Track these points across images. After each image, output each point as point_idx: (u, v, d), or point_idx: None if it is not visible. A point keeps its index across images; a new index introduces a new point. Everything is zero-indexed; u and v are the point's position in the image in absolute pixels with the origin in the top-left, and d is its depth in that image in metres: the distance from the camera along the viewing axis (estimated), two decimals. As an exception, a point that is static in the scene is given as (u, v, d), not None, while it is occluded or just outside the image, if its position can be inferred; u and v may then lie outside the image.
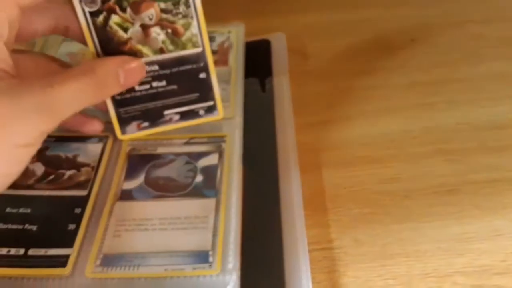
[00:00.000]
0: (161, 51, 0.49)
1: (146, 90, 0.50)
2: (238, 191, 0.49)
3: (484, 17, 0.79)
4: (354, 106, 0.65)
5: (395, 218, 0.53)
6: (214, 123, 0.53)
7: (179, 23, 0.48)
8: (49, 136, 0.41)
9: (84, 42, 0.47)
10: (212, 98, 0.52)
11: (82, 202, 0.47)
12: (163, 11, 0.47)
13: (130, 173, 0.50)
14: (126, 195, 0.49)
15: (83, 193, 0.48)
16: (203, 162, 0.51)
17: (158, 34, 0.48)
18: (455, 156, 0.59)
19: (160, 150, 0.52)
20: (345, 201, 0.55)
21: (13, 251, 0.43)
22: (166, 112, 0.51)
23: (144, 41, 0.48)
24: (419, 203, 0.54)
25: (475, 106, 0.64)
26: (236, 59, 0.62)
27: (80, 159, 0.51)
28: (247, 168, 0.52)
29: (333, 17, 0.80)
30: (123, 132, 0.52)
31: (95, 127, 0.51)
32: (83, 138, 0.53)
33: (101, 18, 0.47)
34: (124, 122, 0.51)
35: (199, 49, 0.49)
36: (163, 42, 0.48)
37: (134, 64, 0.47)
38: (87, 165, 0.51)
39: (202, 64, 0.50)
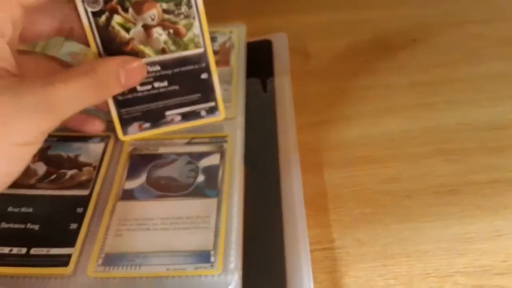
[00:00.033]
0: (163, 51, 0.49)
1: (147, 90, 0.50)
2: (240, 191, 0.49)
3: (484, 17, 0.79)
4: (355, 106, 0.66)
5: (396, 218, 0.53)
6: (216, 123, 0.53)
7: (181, 24, 0.48)
8: (51, 136, 0.42)
9: (87, 44, 0.48)
10: (213, 99, 0.52)
11: (84, 201, 0.47)
12: (165, 11, 0.47)
13: (132, 173, 0.50)
14: (127, 195, 0.49)
15: (85, 192, 0.48)
16: (204, 162, 0.51)
17: (160, 35, 0.48)
18: (456, 156, 0.59)
19: (162, 150, 0.52)
20: (346, 201, 0.55)
21: (15, 250, 0.43)
22: (168, 112, 0.51)
23: (146, 42, 0.48)
24: (419, 203, 0.54)
25: (475, 106, 0.64)
26: (238, 60, 0.62)
27: (82, 158, 0.51)
28: (248, 168, 0.52)
29: (334, 17, 0.80)
30: (125, 133, 0.52)
31: (96, 126, 0.51)
32: (85, 138, 0.53)
33: (103, 18, 0.47)
34: (125, 122, 0.51)
35: (201, 50, 0.50)
36: (165, 42, 0.48)
37: (135, 64, 0.47)
38: (88, 164, 0.51)
39: (203, 65, 0.50)
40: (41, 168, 0.50)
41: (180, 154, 0.52)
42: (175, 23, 0.48)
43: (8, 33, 0.40)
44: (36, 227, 0.45)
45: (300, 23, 0.79)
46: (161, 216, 0.47)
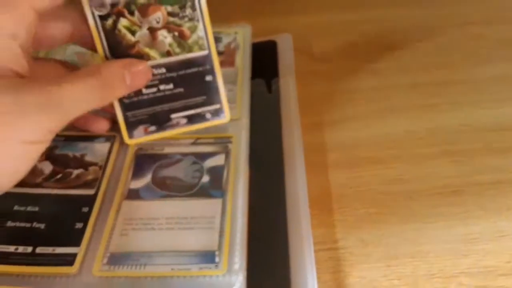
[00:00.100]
0: (168, 54, 0.49)
1: (153, 93, 0.50)
2: (245, 192, 0.49)
3: (486, 19, 0.79)
4: (360, 106, 0.66)
5: (400, 219, 0.53)
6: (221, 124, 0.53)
7: (186, 26, 0.48)
8: (57, 136, 0.42)
9: (94, 49, 0.48)
10: (218, 101, 0.52)
11: (89, 201, 0.48)
12: (170, 14, 0.48)
13: (137, 173, 0.50)
14: (133, 195, 0.49)
15: (90, 192, 0.48)
16: (209, 163, 0.51)
17: (165, 37, 0.48)
18: (460, 157, 0.59)
19: (167, 150, 0.53)
20: (350, 201, 0.55)
21: (20, 249, 0.44)
22: (173, 115, 0.52)
23: (152, 44, 0.48)
24: (424, 204, 0.54)
25: (478, 107, 0.65)
26: (243, 60, 0.62)
27: (88, 158, 0.51)
28: (253, 169, 0.52)
29: (339, 17, 0.80)
30: (131, 136, 0.52)
31: (102, 126, 0.52)
32: (91, 138, 0.53)
33: (110, 21, 0.47)
34: (131, 126, 0.51)
35: (205, 52, 0.50)
36: (170, 45, 0.49)
37: (141, 66, 0.47)
38: (94, 164, 0.51)
39: (208, 67, 0.50)
40: (47, 167, 0.50)
41: (185, 154, 0.52)
42: (179, 25, 0.48)
43: (21, 36, 0.40)
44: (42, 226, 0.45)
45: (304, 23, 0.79)
46: (166, 216, 0.47)
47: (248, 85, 0.59)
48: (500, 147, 0.59)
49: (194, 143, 0.53)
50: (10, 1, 0.40)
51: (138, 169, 0.51)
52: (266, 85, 0.64)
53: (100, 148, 0.53)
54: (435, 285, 0.48)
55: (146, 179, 0.50)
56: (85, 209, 0.47)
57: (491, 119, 0.63)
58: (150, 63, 0.49)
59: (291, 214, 0.51)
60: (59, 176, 0.50)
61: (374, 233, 0.52)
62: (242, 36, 0.65)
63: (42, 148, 0.40)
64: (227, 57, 0.62)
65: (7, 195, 0.42)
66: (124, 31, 0.47)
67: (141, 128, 0.52)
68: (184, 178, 0.50)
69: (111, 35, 0.48)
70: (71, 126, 0.47)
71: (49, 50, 0.59)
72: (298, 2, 0.84)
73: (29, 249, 0.44)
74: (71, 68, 0.49)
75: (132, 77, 0.46)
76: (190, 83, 0.51)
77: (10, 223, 0.45)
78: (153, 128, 0.52)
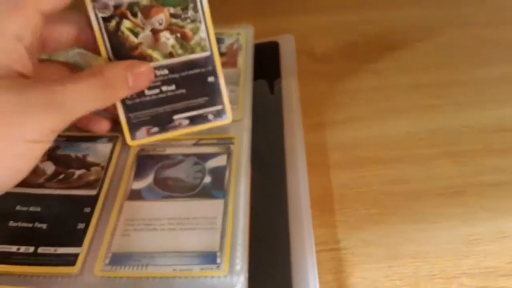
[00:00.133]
0: (171, 55, 0.49)
1: (156, 94, 0.50)
2: (246, 192, 0.49)
3: (487, 19, 0.79)
4: (362, 107, 0.66)
5: (402, 219, 0.53)
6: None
7: (188, 28, 0.49)
8: (59, 136, 0.42)
9: (98, 53, 0.48)
10: (221, 102, 0.52)
11: (91, 201, 0.48)
12: (172, 16, 0.48)
13: (139, 173, 0.51)
14: (135, 195, 0.49)
15: (92, 192, 0.49)
16: (211, 163, 0.51)
17: (167, 39, 0.48)
18: (461, 158, 0.59)
19: (169, 150, 0.53)
20: (352, 202, 0.55)
21: (22, 249, 0.44)
22: (176, 117, 0.52)
23: (154, 46, 0.48)
24: (426, 205, 0.54)
25: (479, 108, 0.65)
26: (245, 61, 0.62)
27: (90, 158, 0.52)
28: (255, 169, 0.52)
29: (341, 18, 0.80)
30: (133, 137, 0.52)
31: (103, 126, 0.52)
32: (93, 138, 0.53)
33: (113, 23, 0.47)
34: (133, 127, 0.52)
35: (207, 53, 0.50)
36: (173, 46, 0.49)
37: (143, 67, 0.48)
38: (96, 164, 0.51)
39: (210, 68, 0.50)
40: (49, 168, 0.50)
41: (187, 155, 0.52)
42: (182, 27, 0.48)
43: (27, 38, 0.41)
44: (44, 226, 0.46)
45: (306, 24, 0.79)
46: (168, 217, 0.47)
47: (250, 86, 0.59)
48: (501, 148, 0.59)
49: (196, 144, 0.53)
50: (17, 4, 0.40)
51: (140, 169, 0.51)
52: (268, 86, 0.65)
53: (102, 148, 0.53)
54: (437, 285, 0.48)
55: (148, 179, 0.50)
56: (87, 210, 0.47)
57: (492, 120, 0.63)
58: (152, 64, 0.49)
59: (293, 214, 0.51)
60: (61, 176, 0.50)
61: (376, 233, 0.52)
62: (244, 37, 0.65)
63: (44, 147, 0.41)
64: (229, 58, 0.62)
65: (10, 195, 0.42)
66: (127, 33, 0.48)
67: (143, 130, 0.52)
68: (186, 179, 0.50)
69: (114, 37, 0.48)
70: (72, 126, 0.47)
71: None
72: (299, 2, 0.84)
73: (31, 249, 0.44)
74: (74, 69, 0.50)
75: (134, 78, 0.47)
76: (192, 84, 0.51)
77: (12, 223, 0.46)
78: (155, 129, 0.52)
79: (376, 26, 0.78)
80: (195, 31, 0.49)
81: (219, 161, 0.51)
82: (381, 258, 0.50)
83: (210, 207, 0.48)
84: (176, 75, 0.50)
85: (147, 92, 0.50)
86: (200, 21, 0.49)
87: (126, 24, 0.48)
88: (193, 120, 0.52)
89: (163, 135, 0.52)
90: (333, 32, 0.78)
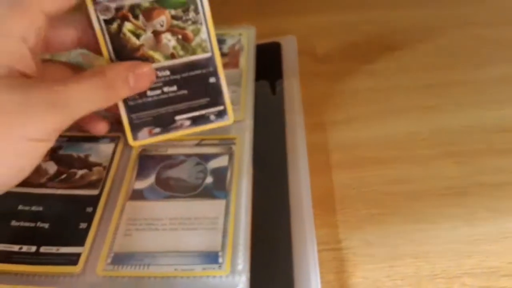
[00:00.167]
0: (172, 56, 0.49)
1: (157, 95, 0.51)
2: (248, 193, 0.49)
3: (488, 20, 0.79)
4: (364, 107, 0.66)
5: (403, 219, 0.53)
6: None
7: (189, 29, 0.49)
8: (61, 136, 0.42)
9: (100, 53, 0.48)
10: (222, 103, 0.52)
11: (93, 201, 0.48)
12: (173, 17, 0.48)
13: (141, 173, 0.51)
14: (137, 195, 0.49)
15: (94, 192, 0.49)
16: (213, 164, 0.51)
17: (169, 40, 0.49)
18: (463, 158, 0.58)
19: (171, 151, 0.53)
20: (354, 202, 0.55)
21: (25, 248, 0.44)
22: (177, 117, 0.52)
23: (156, 47, 0.49)
24: (427, 205, 0.54)
25: (481, 108, 0.64)
26: (247, 62, 0.62)
27: (92, 158, 0.52)
28: (257, 170, 0.52)
29: (343, 18, 0.80)
30: (135, 138, 0.52)
31: (100, 127, 0.52)
32: (95, 138, 0.53)
33: (115, 25, 0.47)
34: (135, 128, 0.52)
35: (208, 54, 0.50)
36: (174, 47, 0.49)
37: (145, 68, 0.48)
38: (99, 164, 0.51)
39: (211, 69, 0.51)
40: (51, 168, 0.50)
41: (189, 155, 0.52)
42: (183, 28, 0.49)
43: (31, 39, 0.41)
44: (46, 225, 0.46)
45: (307, 24, 0.79)
46: (170, 217, 0.47)
47: (252, 86, 0.59)
48: (503, 148, 0.59)
49: (198, 144, 0.53)
50: (21, 5, 0.41)
51: (142, 169, 0.51)
52: (270, 86, 0.65)
53: (105, 148, 0.53)
54: (438, 285, 0.48)
55: (150, 179, 0.50)
56: (89, 209, 0.47)
57: (493, 120, 0.63)
58: (154, 65, 0.49)
59: (295, 214, 0.51)
60: (63, 176, 0.50)
61: (377, 233, 0.52)
62: (246, 38, 0.65)
63: (47, 146, 0.41)
64: (231, 58, 0.62)
65: (12, 194, 0.42)
66: (128, 34, 0.48)
67: (145, 130, 0.52)
68: (188, 179, 0.50)
69: (116, 38, 0.48)
70: (73, 126, 0.47)
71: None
72: (301, 3, 0.84)
73: (33, 248, 0.44)
74: (76, 70, 0.50)
75: (136, 78, 0.47)
76: (193, 85, 0.51)
77: (14, 223, 0.46)
78: (157, 130, 0.52)
79: (377, 27, 0.78)
80: (196, 32, 0.49)
81: (221, 161, 0.52)
82: (382, 258, 0.50)
83: (212, 207, 0.48)
84: (178, 76, 0.50)
85: (149, 93, 0.50)
86: (201, 23, 0.49)
87: (127, 26, 0.48)
88: (195, 121, 0.52)
89: (165, 135, 0.52)
90: (334, 32, 0.78)
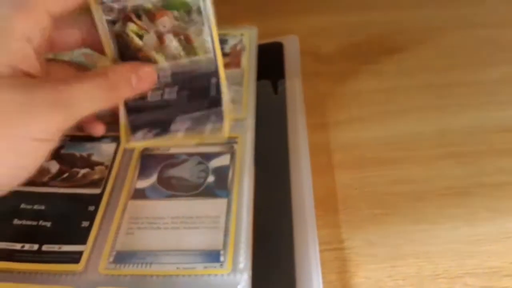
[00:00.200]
0: (174, 57, 0.49)
1: (157, 98, 0.50)
2: (250, 192, 0.49)
3: (491, 21, 0.79)
4: (366, 107, 0.66)
5: (406, 219, 0.53)
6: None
7: (191, 30, 0.49)
8: (64, 135, 0.42)
9: (103, 53, 0.48)
10: (220, 117, 0.51)
11: (95, 200, 0.48)
12: (176, 18, 0.48)
13: (143, 172, 0.51)
14: (139, 194, 0.49)
15: (96, 191, 0.49)
16: (215, 163, 0.52)
17: (171, 41, 0.49)
18: (466, 158, 0.59)
19: (173, 150, 0.53)
20: (356, 202, 0.55)
21: (27, 247, 0.44)
22: (173, 123, 0.51)
23: (159, 48, 0.49)
24: (430, 205, 0.54)
25: (484, 109, 0.64)
26: (249, 61, 0.62)
27: (94, 158, 0.52)
28: (259, 169, 0.52)
29: (346, 18, 0.80)
30: (129, 139, 0.52)
31: (96, 129, 0.53)
32: (97, 138, 0.54)
33: (118, 26, 0.47)
34: (132, 129, 0.51)
35: (210, 55, 0.50)
36: (176, 48, 0.49)
37: (147, 69, 0.48)
38: (101, 164, 0.51)
39: (213, 69, 0.50)
40: (54, 167, 0.51)
41: (190, 155, 0.52)
42: (185, 29, 0.48)
43: (35, 39, 0.41)
44: (48, 224, 0.46)
45: (310, 25, 0.79)
46: (172, 215, 0.47)
47: (254, 85, 0.59)
48: (506, 148, 0.59)
49: (199, 143, 0.53)
50: (26, 5, 0.41)
51: (144, 169, 0.51)
52: (273, 86, 0.65)
53: (107, 148, 0.53)
54: (440, 285, 0.48)
55: (152, 179, 0.50)
56: (91, 208, 0.47)
57: (497, 121, 0.63)
58: (156, 66, 0.49)
59: (297, 214, 0.51)
60: (65, 175, 0.50)
61: (380, 233, 0.52)
62: (248, 38, 0.65)
63: (50, 146, 0.41)
64: (233, 58, 0.62)
65: (14, 193, 0.42)
66: (131, 35, 0.48)
67: (141, 132, 0.52)
68: (190, 178, 0.50)
69: (120, 39, 0.48)
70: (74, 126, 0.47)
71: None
72: (303, 3, 0.84)
73: (36, 246, 0.44)
74: (79, 69, 0.50)
75: (138, 79, 0.47)
76: (194, 87, 0.51)
77: (16, 221, 0.46)
78: (152, 133, 0.52)
79: (379, 27, 0.78)
80: (199, 33, 0.49)
81: (223, 160, 0.52)
82: (384, 258, 0.50)
83: (214, 206, 0.48)
84: (179, 78, 0.50)
85: (149, 95, 0.50)
86: (203, 24, 0.49)
87: (131, 26, 0.48)
88: (190, 129, 0.52)
89: (159, 140, 0.52)
90: (336, 32, 0.78)
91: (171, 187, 0.49)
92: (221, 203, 0.48)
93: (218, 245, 0.45)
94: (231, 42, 0.65)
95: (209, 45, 0.49)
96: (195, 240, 0.45)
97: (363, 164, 0.59)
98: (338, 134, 0.62)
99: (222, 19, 0.49)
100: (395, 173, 0.57)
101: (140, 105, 0.50)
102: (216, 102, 0.52)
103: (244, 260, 0.44)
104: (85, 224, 0.46)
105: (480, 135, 0.61)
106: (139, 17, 0.47)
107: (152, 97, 0.50)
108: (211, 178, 0.50)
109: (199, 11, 0.48)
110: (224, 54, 0.52)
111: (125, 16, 0.47)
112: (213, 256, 0.44)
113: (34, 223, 0.46)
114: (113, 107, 0.48)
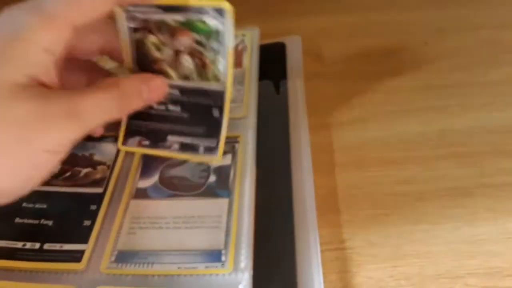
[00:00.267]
0: (186, 78, 0.49)
1: (161, 110, 0.50)
2: (251, 192, 0.49)
3: (497, 22, 0.78)
4: (368, 107, 0.66)
5: (407, 219, 0.53)
6: (229, 122, 0.53)
7: (208, 57, 0.48)
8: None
9: (121, 62, 0.49)
10: (216, 139, 0.51)
11: (97, 199, 0.48)
12: (195, 41, 0.48)
13: (145, 172, 0.51)
14: (141, 194, 0.49)
15: (98, 190, 0.49)
16: (216, 163, 0.52)
17: (186, 61, 0.48)
18: (469, 159, 0.58)
19: (175, 150, 0.53)
20: (358, 202, 0.55)
21: (28, 245, 0.44)
22: (169, 137, 0.51)
23: (174, 65, 0.48)
24: (432, 205, 0.54)
25: (488, 110, 0.64)
26: (250, 61, 0.62)
27: (96, 157, 0.52)
28: (260, 169, 0.52)
29: (348, 19, 0.80)
30: (124, 143, 0.52)
31: (96, 130, 0.52)
32: (99, 138, 0.54)
33: (139, 35, 0.47)
34: (129, 134, 0.51)
35: (221, 87, 0.49)
36: (190, 70, 0.49)
37: (158, 81, 0.48)
38: (103, 163, 0.51)
39: (219, 103, 0.50)
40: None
41: (192, 154, 0.52)
42: (202, 54, 0.48)
43: (57, 52, 0.41)
44: (50, 223, 0.46)
45: (312, 25, 0.79)
46: (173, 215, 0.47)
47: (256, 85, 0.60)
48: (508, 149, 0.59)
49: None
50: (50, 16, 0.40)
51: (146, 168, 0.51)
52: (275, 86, 0.65)
53: (108, 148, 0.53)
54: (442, 285, 0.48)
55: (154, 178, 0.50)
56: (93, 207, 0.47)
57: (501, 121, 0.63)
58: (167, 81, 0.49)
59: (298, 214, 0.51)
60: (67, 174, 0.50)
61: (381, 233, 0.52)
62: (250, 38, 0.65)
63: (60, 157, 0.40)
64: (234, 58, 0.62)
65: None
66: (151, 47, 0.48)
67: (136, 139, 0.51)
68: (191, 178, 0.50)
69: (139, 48, 0.48)
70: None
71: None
72: (306, 4, 0.84)
73: (37, 245, 0.44)
74: (91, 73, 0.50)
75: (149, 91, 0.47)
76: (196, 112, 0.50)
77: (18, 220, 0.46)
78: (147, 142, 0.51)
79: (381, 28, 0.78)
80: (214, 62, 0.48)
81: (224, 160, 0.52)
82: (386, 258, 0.50)
83: (215, 206, 0.48)
84: (185, 98, 0.50)
85: (154, 105, 0.50)
86: (220, 54, 0.48)
87: (151, 38, 0.48)
88: (184, 147, 0.51)
89: (151, 150, 0.51)
90: (339, 33, 0.78)
91: (173, 187, 0.50)
92: (222, 203, 0.48)
93: (219, 245, 0.45)
94: (233, 42, 0.65)
95: (221, 77, 0.49)
96: (196, 239, 0.45)
97: (365, 164, 0.59)
98: (340, 134, 0.62)
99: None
100: (397, 174, 0.57)
101: (142, 113, 0.50)
102: (214, 130, 0.51)
103: (245, 259, 0.44)
104: (87, 223, 0.46)
105: (481, 135, 0.61)
106: (160, 31, 0.47)
107: (155, 109, 0.50)
108: (212, 178, 0.50)
109: (219, 40, 0.47)
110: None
111: (147, 28, 0.47)
112: (214, 255, 0.44)
113: (36, 221, 0.46)
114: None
